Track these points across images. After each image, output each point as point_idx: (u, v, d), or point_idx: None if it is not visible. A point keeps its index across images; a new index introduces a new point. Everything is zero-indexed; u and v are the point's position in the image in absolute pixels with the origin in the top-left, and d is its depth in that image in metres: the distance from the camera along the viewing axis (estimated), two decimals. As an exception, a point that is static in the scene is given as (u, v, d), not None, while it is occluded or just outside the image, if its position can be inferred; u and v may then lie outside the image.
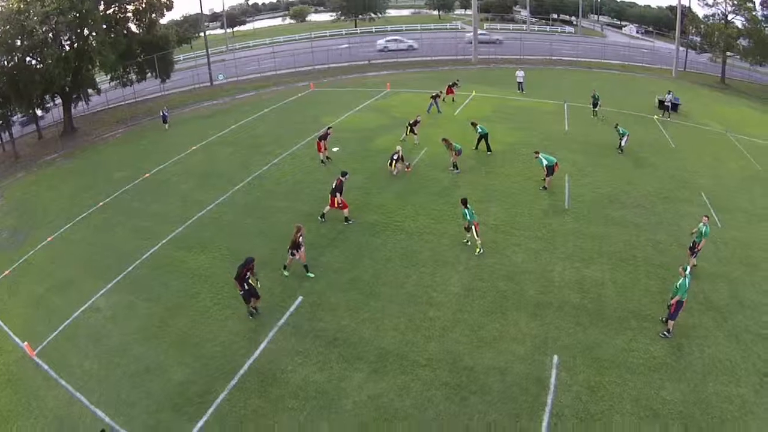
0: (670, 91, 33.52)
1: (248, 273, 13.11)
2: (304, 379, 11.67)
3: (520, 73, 36.92)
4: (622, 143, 24.38)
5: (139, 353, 13.03)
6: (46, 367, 13.06)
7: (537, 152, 20.29)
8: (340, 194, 17.65)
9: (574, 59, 51.10)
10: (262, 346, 12.73)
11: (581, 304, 13.66)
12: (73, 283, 16.66)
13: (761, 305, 13.66)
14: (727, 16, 50.33)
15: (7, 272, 18.06)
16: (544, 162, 19.67)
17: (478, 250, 15.91)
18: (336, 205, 17.76)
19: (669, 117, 32.19)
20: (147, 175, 24.83)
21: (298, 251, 14.77)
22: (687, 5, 54.42)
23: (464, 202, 15.77)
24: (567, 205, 19.12)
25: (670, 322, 12.23)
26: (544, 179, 20.06)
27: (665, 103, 32.99)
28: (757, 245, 14.51)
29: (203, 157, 26.87)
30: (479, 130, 23.77)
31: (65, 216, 21.67)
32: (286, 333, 13.12)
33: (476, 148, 24.04)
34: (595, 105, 30.71)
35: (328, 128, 24.44)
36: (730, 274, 14.99)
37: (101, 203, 22.30)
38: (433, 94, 31.06)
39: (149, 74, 42.05)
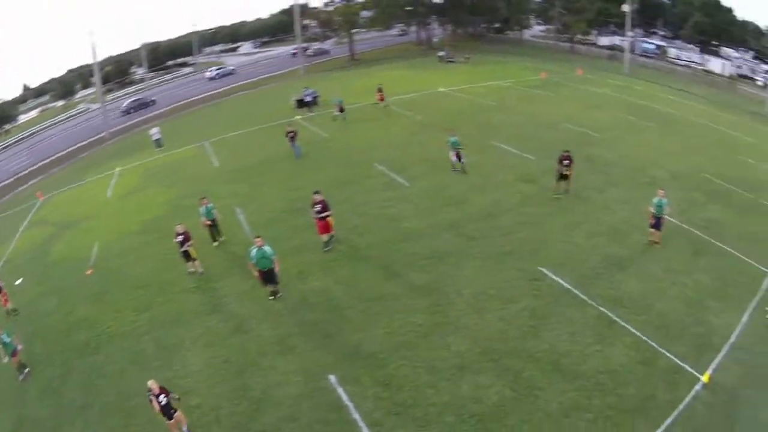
0: (306, 87, 36.21)
1: None
2: None
3: (154, 131, 35.37)
4: None
5: None
6: None
7: (204, 198, 17.23)
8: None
9: (208, 93, 52.05)
10: None
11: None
12: None
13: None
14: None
15: None
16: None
17: None
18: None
19: (312, 112, 34.63)
20: None
21: None
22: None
23: None
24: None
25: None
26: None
27: (304, 101, 35.36)
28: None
29: None
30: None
31: None
32: None
33: None
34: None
35: None
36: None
37: None
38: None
39: None
